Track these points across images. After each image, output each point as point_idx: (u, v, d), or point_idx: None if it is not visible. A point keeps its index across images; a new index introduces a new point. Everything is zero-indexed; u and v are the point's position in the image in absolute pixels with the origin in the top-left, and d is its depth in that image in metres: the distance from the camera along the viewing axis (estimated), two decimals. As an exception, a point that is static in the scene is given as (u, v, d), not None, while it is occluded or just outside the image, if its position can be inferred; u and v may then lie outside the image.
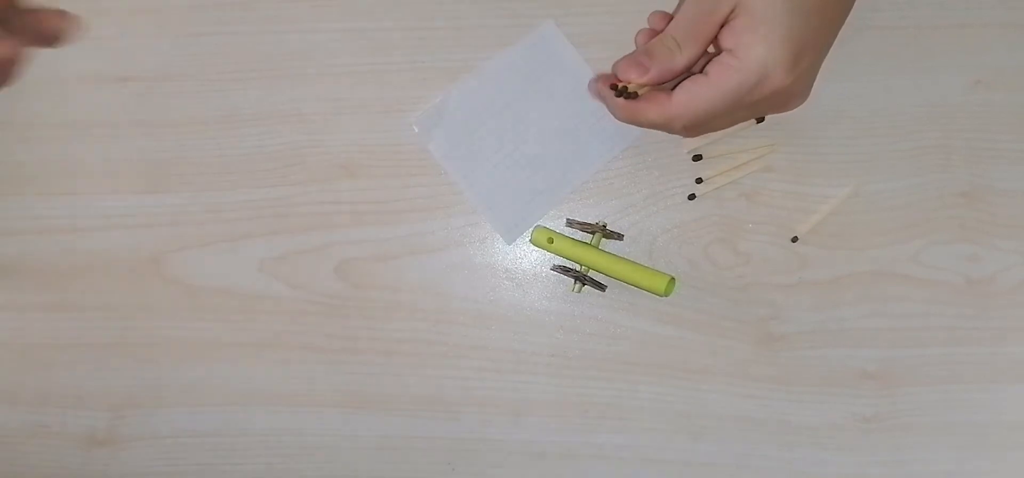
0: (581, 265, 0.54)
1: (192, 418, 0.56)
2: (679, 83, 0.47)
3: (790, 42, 0.44)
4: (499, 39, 0.54)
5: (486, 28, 0.54)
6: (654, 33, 0.49)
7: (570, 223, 0.54)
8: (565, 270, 0.54)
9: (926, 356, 0.53)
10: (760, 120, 0.52)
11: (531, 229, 0.54)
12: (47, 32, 0.40)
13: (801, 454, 0.54)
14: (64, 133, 0.56)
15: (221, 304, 0.56)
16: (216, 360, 0.56)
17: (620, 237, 0.54)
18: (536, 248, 0.55)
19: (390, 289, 0.55)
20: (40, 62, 0.56)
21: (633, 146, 0.54)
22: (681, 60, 0.46)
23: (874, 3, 0.52)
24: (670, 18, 0.49)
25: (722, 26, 0.46)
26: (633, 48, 0.51)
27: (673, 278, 0.52)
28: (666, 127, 0.48)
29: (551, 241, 0.53)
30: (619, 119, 0.50)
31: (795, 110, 0.51)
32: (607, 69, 0.50)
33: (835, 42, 0.49)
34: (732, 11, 0.45)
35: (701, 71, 0.47)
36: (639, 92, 0.47)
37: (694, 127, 0.48)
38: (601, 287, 0.54)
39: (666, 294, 0.52)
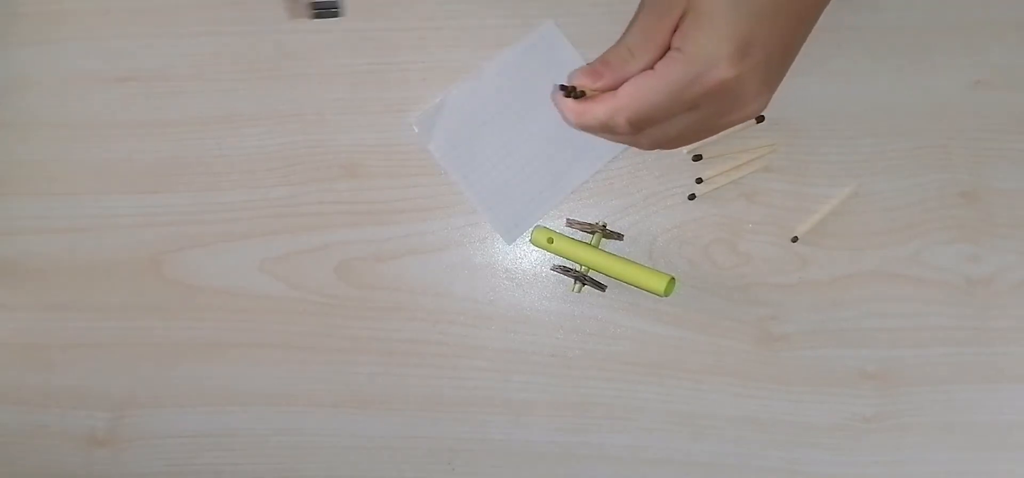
0: (581, 265, 0.54)
1: (192, 418, 0.56)
2: None
3: (735, 35, 0.44)
4: (499, 39, 0.54)
5: (486, 28, 0.54)
6: None
7: (570, 223, 0.54)
8: (565, 270, 0.54)
9: (926, 356, 0.53)
10: (760, 120, 0.52)
11: (531, 229, 0.54)
12: None
13: (801, 454, 0.54)
14: (64, 133, 0.56)
15: (221, 304, 0.56)
16: (216, 360, 0.56)
17: (620, 237, 0.54)
18: (536, 248, 0.55)
19: (390, 289, 0.55)
20: (40, 62, 0.56)
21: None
22: (635, 66, 0.47)
23: (874, 3, 0.52)
24: None
25: (674, 31, 0.46)
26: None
27: (673, 278, 0.52)
28: (612, 122, 0.48)
29: (551, 241, 0.53)
30: (570, 124, 0.50)
31: (795, 110, 0.51)
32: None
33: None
34: (683, 14, 0.46)
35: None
36: (588, 93, 0.48)
37: (640, 120, 0.47)
38: (601, 287, 0.54)
39: (666, 294, 0.52)
